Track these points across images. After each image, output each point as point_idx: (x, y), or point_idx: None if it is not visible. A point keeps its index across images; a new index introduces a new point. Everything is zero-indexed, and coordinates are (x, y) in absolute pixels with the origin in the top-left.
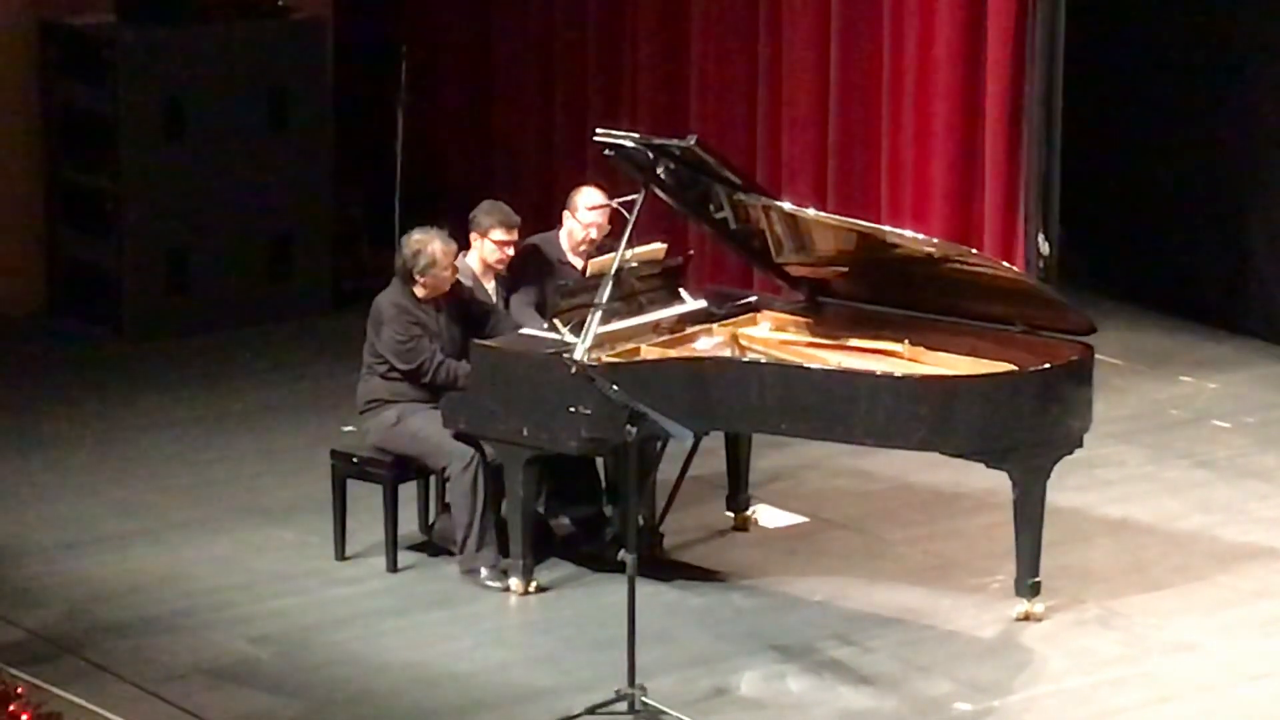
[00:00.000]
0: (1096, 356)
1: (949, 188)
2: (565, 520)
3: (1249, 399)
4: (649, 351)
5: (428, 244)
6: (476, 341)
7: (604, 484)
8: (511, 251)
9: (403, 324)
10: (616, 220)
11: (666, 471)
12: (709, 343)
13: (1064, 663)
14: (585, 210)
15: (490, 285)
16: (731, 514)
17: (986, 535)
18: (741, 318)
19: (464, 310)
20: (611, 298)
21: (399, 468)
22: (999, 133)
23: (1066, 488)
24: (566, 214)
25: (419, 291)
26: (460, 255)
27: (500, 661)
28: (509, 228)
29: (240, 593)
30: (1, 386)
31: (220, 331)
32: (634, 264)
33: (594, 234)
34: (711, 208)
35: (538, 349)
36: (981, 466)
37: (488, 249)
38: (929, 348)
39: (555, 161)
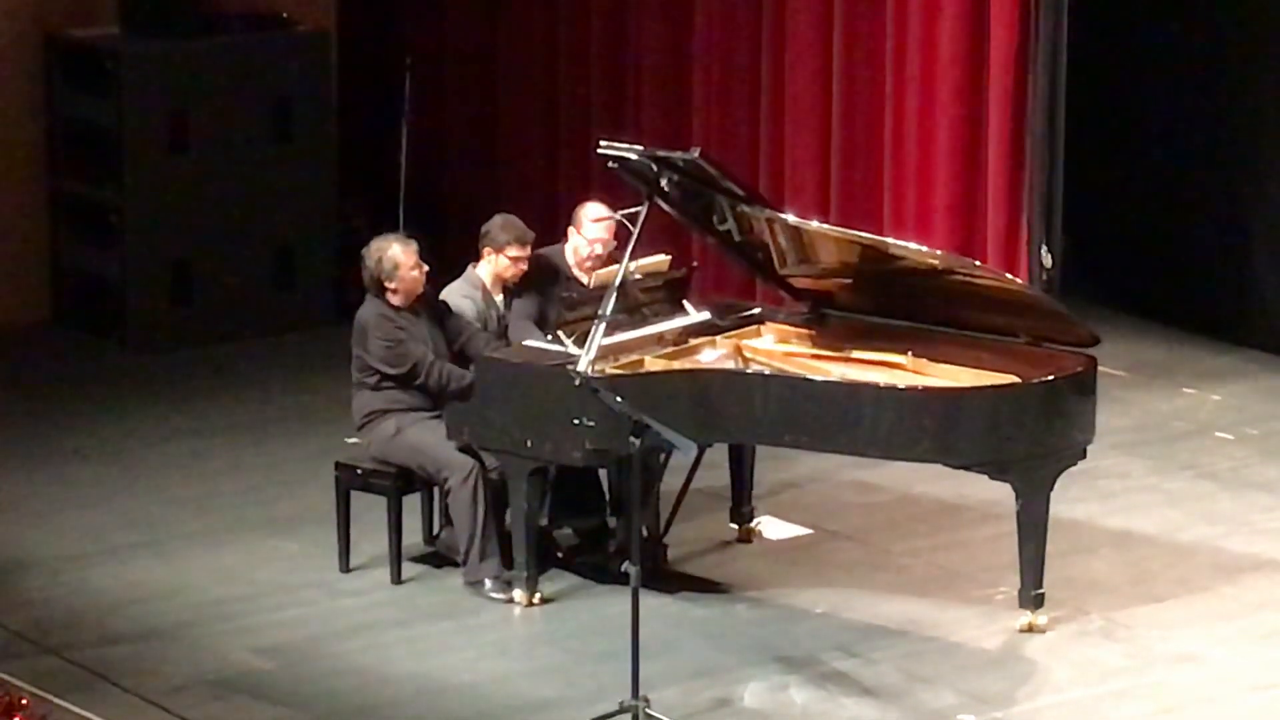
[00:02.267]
0: (1099, 368)
1: (952, 199)
2: (569, 532)
3: (1252, 411)
4: (653, 363)
5: (386, 249)
6: (481, 354)
7: (607, 495)
8: (525, 267)
9: (387, 329)
10: (621, 232)
11: (670, 483)
12: (713, 355)
13: (1068, 674)
14: (590, 225)
15: (499, 298)
16: (735, 525)
17: (990, 547)
18: (745, 329)
19: (440, 321)
20: (615, 310)
21: (403, 479)
22: (1002, 144)
23: (1070, 499)
24: (572, 230)
25: (394, 300)
26: (470, 267)
27: (504, 673)
28: (524, 244)
29: (244, 604)
30: (6, 398)
31: (224, 343)
32: (638, 276)
33: (599, 250)
34: (715, 220)
35: (542, 361)
36: (985, 478)
37: (502, 264)
38: (932, 359)
39: (559, 174)
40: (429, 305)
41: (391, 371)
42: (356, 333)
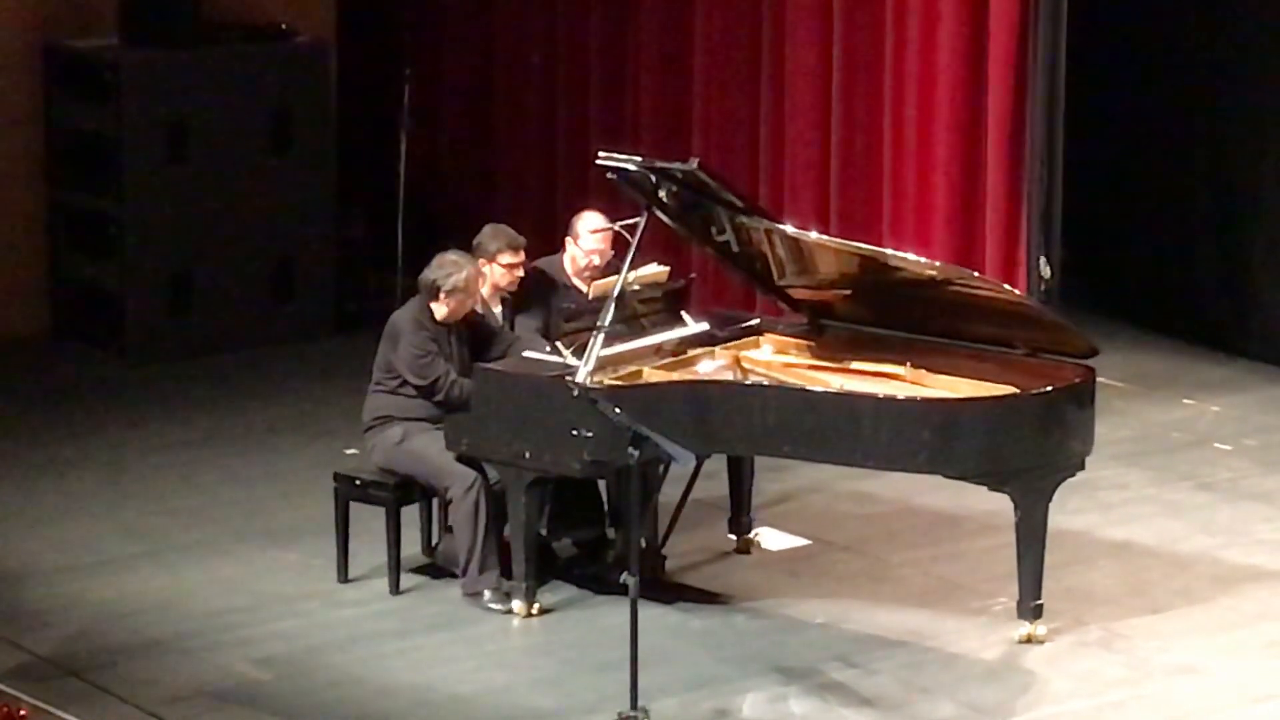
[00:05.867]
0: (1098, 379)
1: (950, 210)
2: (568, 542)
3: (1251, 421)
4: (651, 374)
5: (463, 267)
6: (479, 364)
7: (606, 506)
8: (521, 273)
9: (420, 339)
10: (619, 243)
11: (669, 494)
12: (711, 365)
13: (1066, 685)
14: (587, 235)
15: (498, 309)
16: (734, 536)
17: (989, 557)
18: (744, 340)
19: (475, 336)
20: (614, 320)
21: (402, 490)
22: (1000, 155)
23: (1068, 510)
24: (569, 240)
25: (438, 312)
26: None
27: (503, 684)
28: (516, 249)
29: (243, 615)
30: (5, 409)
31: (223, 354)
32: (636, 287)
33: (596, 260)
34: (714, 230)
35: (541, 372)
36: (983, 489)
37: (497, 273)
38: (931, 370)
39: (557, 184)
40: (465, 324)
41: (414, 381)
42: (388, 332)
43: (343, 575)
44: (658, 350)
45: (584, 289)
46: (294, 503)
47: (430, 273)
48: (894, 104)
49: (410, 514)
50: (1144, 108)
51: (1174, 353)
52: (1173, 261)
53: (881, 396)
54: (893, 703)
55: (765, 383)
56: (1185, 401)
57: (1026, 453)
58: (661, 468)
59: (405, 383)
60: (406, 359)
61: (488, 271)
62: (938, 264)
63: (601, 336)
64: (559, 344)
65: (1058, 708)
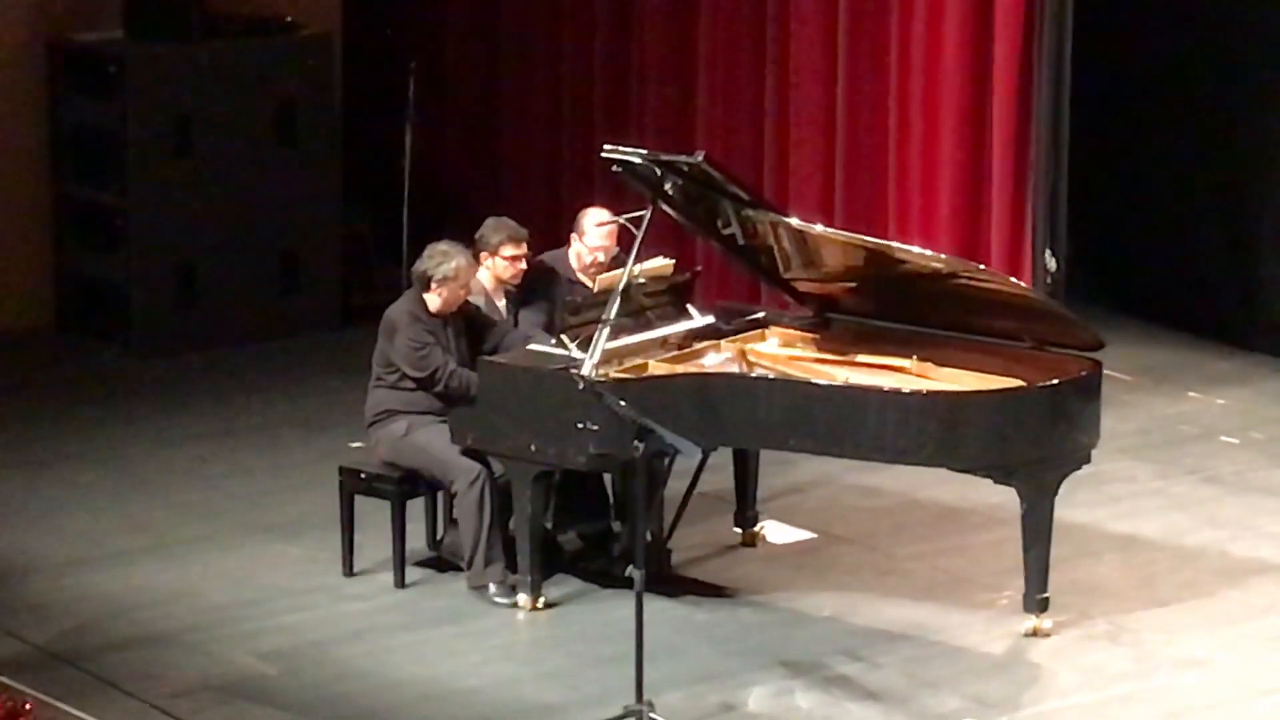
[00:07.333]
0: (1104, 372)
1: (957, 203)
2: (573, 536)
3: (1257, 414)
4: (657, 367)
5: (453, 256)
6: (484, 358)
7: (612, 500)
8: (524, 265)
9: (416, 331)
10: (625, 236)
11: (674, 487)
12: (717, 359)
13: (1072, 678)
14: (593, 231)
15: (501, 303)
16: (739, 530)
17: (994, 551)
18: (749, 333)
19: (470, 327)
20: (619, 313)
21: (407, 483)
22: (1007, 148)
23: (1075, 503)
24: (575, 236)
25: (432, 303)
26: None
27: (508, 677)
28: (518, 242)
29: (248, 608)
30: (10, 402)
31: (228, 347)
32: (642, 280)
33: (601, 257)
34: (719, 224)
35: (546, 365)
36: (989, 482)
37: (500, 266)
38: (937, 363)
39: (563, 178)
40: (461, 314)
41: (412, 373)
42: (384, 326)
43: (348, 569)
44: (663, 343)
45: (590, 285)
46: (299, 496)
47: (421, 263)
48: (900, 96)
49: (415, 507)
50: (1150, 99)
51: (1180, 346)
52: (1179, 254)
53: (887, 389)
54: (898, 696)
55: (771, 376)
56: (1191, 395)
57: (1032, 446)
58: (667, 461)
59: (405, 376)
60: (403, 352)
61: (490, 265)
62: (943, 257)
63: (607, 329)
64: (564, 337)
65: (1064, 701)
